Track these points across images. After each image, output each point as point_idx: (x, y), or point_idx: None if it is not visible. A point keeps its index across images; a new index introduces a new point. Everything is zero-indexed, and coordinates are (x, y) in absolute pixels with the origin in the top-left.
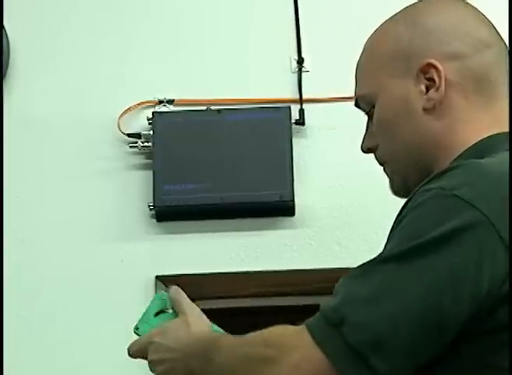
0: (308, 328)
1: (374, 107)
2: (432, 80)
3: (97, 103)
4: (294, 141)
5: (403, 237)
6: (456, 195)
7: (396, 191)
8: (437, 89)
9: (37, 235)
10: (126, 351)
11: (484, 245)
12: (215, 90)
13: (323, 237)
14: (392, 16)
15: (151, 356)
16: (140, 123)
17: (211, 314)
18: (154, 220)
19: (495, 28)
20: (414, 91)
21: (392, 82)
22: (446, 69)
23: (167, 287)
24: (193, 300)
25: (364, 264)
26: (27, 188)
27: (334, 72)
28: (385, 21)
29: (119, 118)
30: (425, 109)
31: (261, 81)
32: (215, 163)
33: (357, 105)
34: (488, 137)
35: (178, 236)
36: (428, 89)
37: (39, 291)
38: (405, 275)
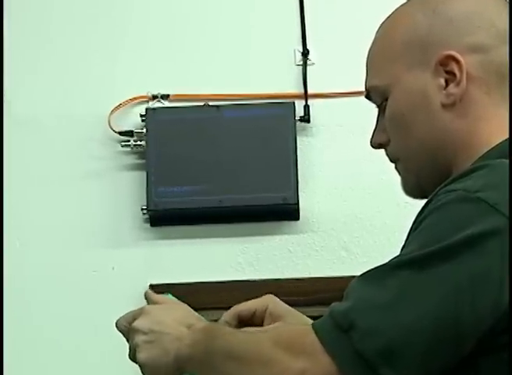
0: (316, 331)
1: (387, 100)
2: (451, 73)
3: (86, 99)
4: (299, 139)
5: (422, 241)
6: (480, 198)
7: (409, 191)
8: (457, 84)
9: (22, 240)
10: (118, 356)
11: (507, 252)
12: (213, 84)
13: (329, 242)
14: (408, 1)
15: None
16: (132, 120)
17: None
18: (148, 225)
19: None
20: (432, 85)
21: (409, 73)
22: (467, 63)
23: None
24: None
25: (378, 267)
26: (11, 191)
27: (341, 65)
28: (400, 6)
29: (110, 115)
30: (444, 105)
31: (263, 75)
32: (214, 163)
33: (367, 96)
34: (505, 140)
35: (173, 242)
36: (447, 83)
37: (25, 299)
38: (423, 281)
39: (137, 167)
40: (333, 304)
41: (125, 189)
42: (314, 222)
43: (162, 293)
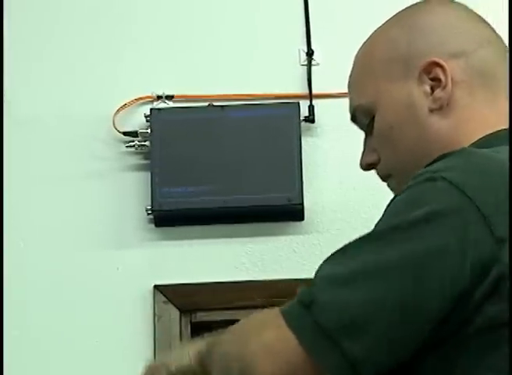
0: (281, 310)
1: (373, 118)
2: (436, 79)
3: (90, 99)
4: (303, 139)
5: (385, 218)
6: (444, 178)
7: None
8: (444, 88)
9: (26, 241)
10: (121, 357)
11: (468, 231)
12: (217, 84)
13: (335, 243)
14: (382, 25)
15: None
16: (136, 120)
17: (213, 326)
18: (153, 225)
19: (492, 28)
20: (418, 93)
21: (392, 87)
22: (450, 68)
23: (166, 297)
24: (194, 311)
25: (343, 246)
26: (14, 191)
27: (346, 65)
28: (375, 30)
29: (115, 115)
30: (432, 110)
31: (268, 75)
32: (218, 164)
33: (353, 119)
34: (491, 134)
35: (178, 242)
36: (433, 90)
37: (28, 300)
38: (381, 256)
39: (142, 168)
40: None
41: (129, 189)
42: (318, 222)
43: (169, 293)
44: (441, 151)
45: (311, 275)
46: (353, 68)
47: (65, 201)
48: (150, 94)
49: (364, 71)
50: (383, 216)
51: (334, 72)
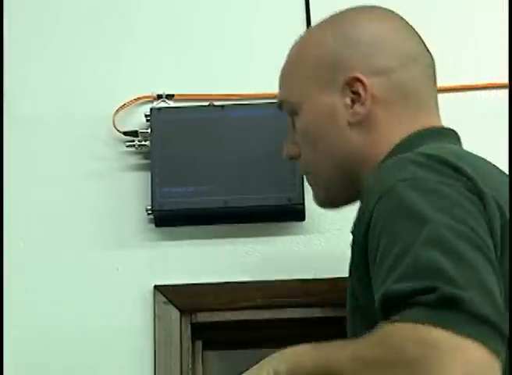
0: (429, 323)
1: (297, 114)
2: (357, 93)
3: (90, 98)
4: None
5: (404, 224)
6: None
7: (319, 203)
8: (362, 103)
9: (26, 241)
10: (121, 358)
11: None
12: (218, 84)
13: (336, 243)
14: (319, 23)
15: None
16: (137, 120)
17: (214, 327)
18: (153, 225)
19: (422, 40)
20: (340, 104)
21: (318, 92)
22: (372, 84)
23: (166, 297)
24: (194, 312)
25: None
26: (14, 191)
27: None
28: (312, 28)
29: (114, 115)
30: (350, 123)
31: (269, 75)
32: (219, 163)
33: (279, 107)
34: (409, 135)
35: (178, 242)
36: (353, 102)
37: (28, 300)
38: (470, 239)
39: (142, 167)
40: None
41: (129, 189)
42: (319, 222)
43: (169, 294)
44: (360, 165)
45: (312, 275)
46: (285, 63)
47: (64, 201)
48: (150, 94)
49: (293, 70)
50: (393, 222)
51: None
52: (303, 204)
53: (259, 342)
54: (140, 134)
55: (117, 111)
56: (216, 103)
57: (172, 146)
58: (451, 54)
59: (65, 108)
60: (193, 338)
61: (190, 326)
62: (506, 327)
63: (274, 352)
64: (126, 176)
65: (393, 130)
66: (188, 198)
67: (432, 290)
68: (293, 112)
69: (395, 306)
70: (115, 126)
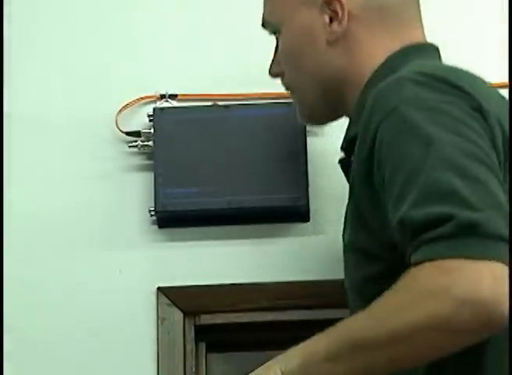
0: (448, 254)
1: (280, 33)
2: (335, 11)
3: (92, 98)
4: (309, 139)
5: (409, 116)
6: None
7: (303, 119)
8: (340, 22)
9: (26, 242)
10: (124, 360)
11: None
12: (222, 84)
13: (341, 244)
14: None
15: None
16: (139, 120)
17: (217, 329)
18: (156, 227)
19: None
20: (318, 22)
21: (298, 11)
22: (348, 2)
23: (169, 299)
24: (198, 314)
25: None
26: (15, 192)
27: None
28: None
29: (117, 115)
30: (328, 42)
31: None
32: (222, 164)
33: (263, 26)
34: (394, 53)
35: (181, 244)
36: (331, 21)
37: (29, 302)
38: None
39: (145, 168)
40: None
41: (132, 190)
42: (324, 223)
43: (172, 296)
44: (342, 83)
45: (316, 277)
46: None
47: (66, 201)
48: (153, 94)
49: None
50: (410, 138)
51: None
52: (307, 205)
53: (263, 344)
54: (142, 135)
55: (120, 111)
56: (220, 103)
57: (176, 146)
58: (451, 54)
59: (68, 108)
60: (197, 340)
61: (193, 328)
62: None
63: (278, 354)
64: (128, 176)
65: (375, 47)
66: (191, 199)
67: (448, 218)
68: (276, 32)
69: (413, 238)
70: (117, 127)
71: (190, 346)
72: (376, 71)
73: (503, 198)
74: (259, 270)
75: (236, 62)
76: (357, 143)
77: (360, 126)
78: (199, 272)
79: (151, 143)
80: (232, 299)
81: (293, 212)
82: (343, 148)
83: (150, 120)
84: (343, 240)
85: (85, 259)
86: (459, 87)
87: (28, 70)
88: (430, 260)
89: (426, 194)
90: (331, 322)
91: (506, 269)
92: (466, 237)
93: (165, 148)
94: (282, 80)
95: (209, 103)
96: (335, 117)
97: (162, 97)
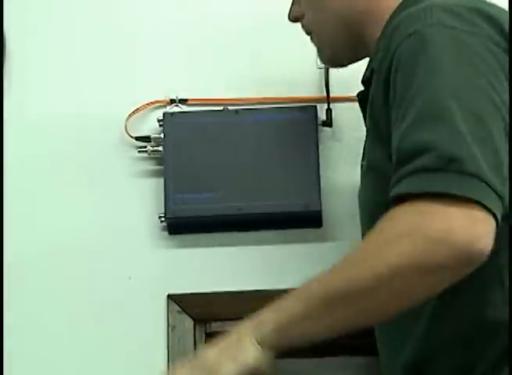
0: (437, 192)
1: None
2: None
3: (101, 103)
4: (321, 144)
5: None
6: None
7: (325, 61)
8: None
9: (33, 249)
10: (133, 368)
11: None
12: (232, 88)
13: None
14: None
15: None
16: (149, 125)
17: None
18: (166, 233)
19: None
20: None
21: None
22: None
23: (180, 306)
24: (209, 321)
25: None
26: (22, 199)
27: (364, 67)
28: None
29: (127, 120)
30: None
31: (284, 78)
32: (233, 170)
33: None
34: None
35: (192, 250)
36: None
37: (37, 308)
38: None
39: (155, 173)
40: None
41: (142, 196)
42: (337, 229)
43: (183, 303)
44: (364, 17)
45: None
46: None
47: (75, 207)
48: (163, 98)
49: None
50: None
51: (352, 74)
52: (320, 210)
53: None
54: (152, 140)
55: (129, 116)
56: (230, 107)
57: (186, 151)
58: None
59: (77, 113)
60: None
61: (204, 335)
62: (503, 190)
63: (289, 362)
64: (138, 182)
65: None
66: (202, 205)
67: (431, 149)
68: None
69: (396, 169)
70: (127, 132)
71: None
72: (401, 4)
73: (502, 143)
74: (272, 277)
75: (247, 66)
76: (377, 64)
77: (380, 52)
78: (210, 279)
79: (160, 148)
80: (243, 306)
81: (305, 217)
82: (363, 82)
83: (160, 125)
84: (361, 168)
85: (94, 266)
86: (491, 18)
87: (35, 75)
88: (407, 195)
89: (424, 117)
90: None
91: (484, 212)
92: (443, 171)
93: (175, 153)
94: (302, 24)
95: (220, 108)
96: (356, 58)
97: (172, 101)
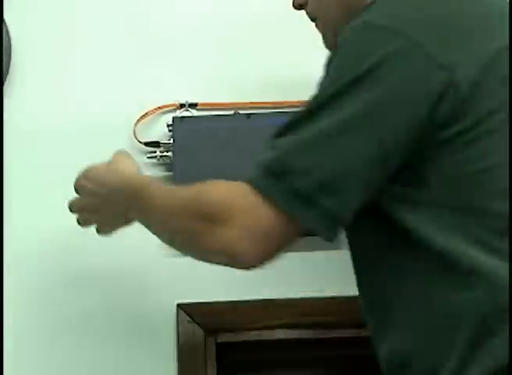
0: (252, 183)
1: None
2: None
3: (109, 108)
4: None
5: (336, 76)
6: (383, 25)
7: (331, 47)
8: None
9: (42, 257)
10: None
11: (416, 69)
12: (243, 92)
13: None
14: None
15: (82, 200)
16: (158, 129)
17: (240, 347)
18: None
19: None
20: None
21: None
22: None
23: (190, 317)
24: (219, 331)
25: (292, 117)
26: (28, 207)
27: None
28: None
29: (135, 125)
30: None
31: (296, 82)
32: (244, 175)
33: None
34: None
35: None
36: None
37: (45, 317)
38: (347, 111)
39: (164, 179)
40: (260, 156)
41: None
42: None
43: (193, 313)
44: (363, 2)
45: (348, 292)
46: None
47: None
48: (172, 102)
49: None
50: (327, 74)
51: None
52: None
53: (287, 363)
54: (161, 145)
55: (138, 121)
56: (241, 111)
57: (196, 157)
58: None
59: (84, 118)
60: (218, 359)
61: (215, 346)
62: (335, 203)
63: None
64: None
65: None
66: None
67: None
68: None
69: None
70: (135, 137)
71: (212, 365)
72: None
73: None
74: (283, 285)
75: (257, 70)
76: None
77: None
78: (221, 287)
79: (170, 153)
80: (255, 316)
81: None
82: None
83: (169, 130)
84: None
85: (102, 274)
86: (416, 42)
87: (42, 79)
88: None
89: (297, 117)
90: (359, 341)
91: (273, 212)
92: (277, 179)
93: (184, 159)
94: (306, 11)
95: (230, 112)
96: None
97: (182, 106)
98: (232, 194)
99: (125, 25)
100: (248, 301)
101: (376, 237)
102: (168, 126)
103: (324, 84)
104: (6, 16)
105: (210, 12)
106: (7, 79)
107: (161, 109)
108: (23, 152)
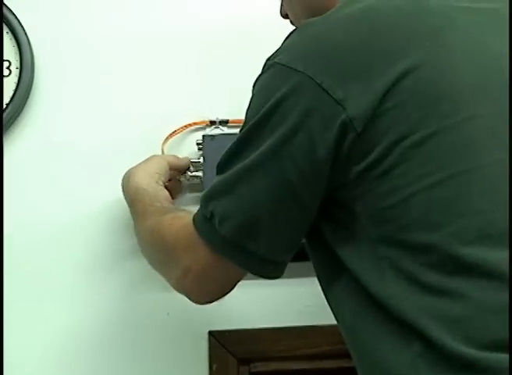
0: (194, 224)
1: None
2: None
3: (137, 125)
4: None
5: (245, 121)
6: (277, 63)
7: None
8: None
9: (64, 278)
10: None
11: (310, 106)
12: None
13: None
14: None
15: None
16: (188, 148)
17: None
18: None
19: None
20: None
21: None
22: None
23: (222, 344)
24: (253, 360)
25: (231, 145)
26: (52, 226)
27: None
28: None
29: (164, 143)
30: None
31: None
32: None
33: None
34: None
35: None
36: None
37: (70, 347)
38: (248, 158)
39: (194, 201)
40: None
41: None
42: None
43: (225, 341)
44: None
45: None
46: None
47: (108, 236)
48: (202, 120)
49: None
50: (247, 110)
51: None
52: None
53: None
54: (191, 164)
55: (166, 139)
56: None
57: None
58: None
59: (110, 136)
60: None
61: None
62: (258, 246)
63: None
64: None
65: None
66: None
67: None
68: None
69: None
70: None
71: None
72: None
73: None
74: (322, 311)
75: None
76: None
77: None
78: (254, 314)
79: (200, 173)
80: (290, 344)
81: None
82: None
83: (199, 148)
84: None
85: (129, 301)
86: (333, 94)
87: (67, 98)
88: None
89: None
90: None
91: (212, 257)
92: (208, 222)
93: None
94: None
95: None
96: None
97: (212, 123)
98: (180, 234)
99: (154, 43)
100: (284, 328)
101: (323, 264)
102: (198, 144)
103: (244, 122)
104: (29, 31)
105: (238, 27)
106: (29, 96)
107: (191, 127)
108: (48, 170)
